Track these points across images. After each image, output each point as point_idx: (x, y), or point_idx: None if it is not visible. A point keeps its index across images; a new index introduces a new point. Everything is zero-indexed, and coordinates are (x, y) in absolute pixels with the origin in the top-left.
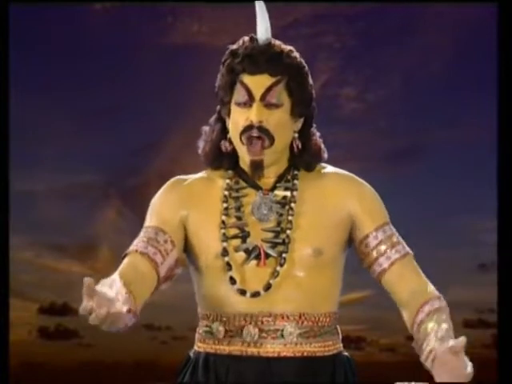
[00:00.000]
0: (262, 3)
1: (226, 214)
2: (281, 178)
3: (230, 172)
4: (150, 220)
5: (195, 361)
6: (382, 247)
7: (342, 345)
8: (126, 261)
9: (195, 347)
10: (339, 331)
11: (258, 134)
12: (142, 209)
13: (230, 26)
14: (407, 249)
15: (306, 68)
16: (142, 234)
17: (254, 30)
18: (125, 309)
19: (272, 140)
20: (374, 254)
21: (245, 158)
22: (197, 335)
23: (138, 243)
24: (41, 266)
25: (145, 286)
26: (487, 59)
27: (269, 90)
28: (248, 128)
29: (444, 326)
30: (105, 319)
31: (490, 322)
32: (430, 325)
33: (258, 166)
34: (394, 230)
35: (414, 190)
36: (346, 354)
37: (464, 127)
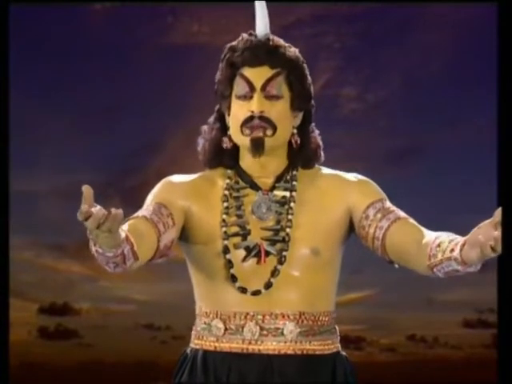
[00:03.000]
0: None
1: (227, 213)
2: (280, 179)
3: (230, 171)
4: (151, 200)
5: (193, 358)
6: (382, 213)
7: (339, 345)
8: (127, 223)
9: (191, 344)
10: (337, 331)
11: (260, 124)
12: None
13: (230, 26)
14: (407, 216)
15: (305, 64)
16: (143, 208)
17: (254, 29)
18: (123, 232)
19: (274, 128)
20: (374, 222)
21: (246, 146)
22: (193, 332)
23: (140, 212)
24: (41, 266)
25: (143, 244)
26: (487, 59)
27: (269, 80)
28: (249, 119)
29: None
30: (104, 220)
31: (489, 321)
32: (452, 236)
33: (258, 143)
34: (393, 205)
35: (413, 190)
36: (344, 353)
37: (464, 127)
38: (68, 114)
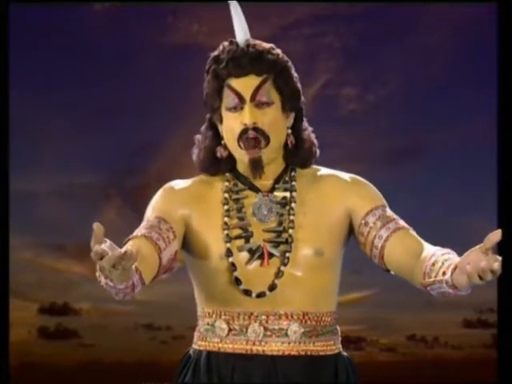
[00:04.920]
0: (236, 4)
1: (228, 216)
2: (279, 180)
3: (228, 175)
4: (151, 214)
5: (196, 360)
6: (381, 221)
7: (341, 345)
8: (128, 243)
9: (195, 346)
10: (339, 332)
11: (254, 135)
12: (141, 209)
13: (230, 26)
14: (407, 225)
15: (290, 62)
16: (143, 224)
17: (253, 30)
18: (136, 262)
19: (267, 140)
20: (374, 230)
21: (243, 161)
22: (196, 333)
23: (140, 229)
24: (41, 266)
25: (148, 266)
26: (487, 59)
27: (257, 89)
28: (244, 132)
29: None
30: (119, 260)
31: (490, 322)
32: (446, 256)
33: (256, 164)
34: (393, 213)
35: (413, 191)
36: (345, 354)
37: (464, 127)
38: (68, 113)
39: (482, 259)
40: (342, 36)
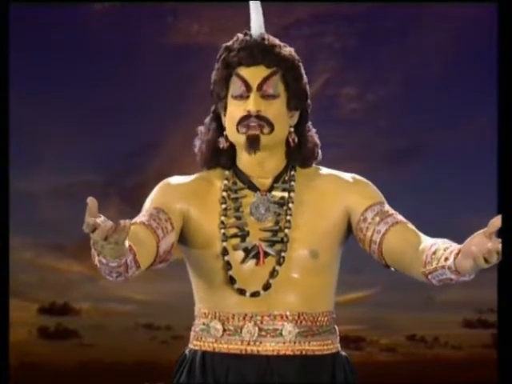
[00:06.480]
0: (257, 1)
1: (225, 215)
2: (278, 179)
3: (227, 172)
4: (150, 205)
5: (191, 359)
6: (380, 217)
7: (339, 344)
8: None
9: (191, 345)
10: (337, 331)
11: (257, 123)
12: (141, 208)
13: (230, 26)
14: (405, 220)
15: (301, 63)
16: (141, 213)
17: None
18: (128, 242)
19: (271, 127)
20: (372, 225)
21: (241, 144)
22: (192, 333)
23: (139, 217)
24: (41, 265)
25: (144, 251)
26: (487, 59)
27: (265, 80)
28: (245, 118)
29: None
30: (111, 232)
31: (489, 322)
32: (447, 244)
33: (253, 141)
34: (391, 208)
35: (413, 191)
36: (344, 353)
37: (464, 127)
38: (68, 113)
39: (487, 242)
40: (341, 36)
